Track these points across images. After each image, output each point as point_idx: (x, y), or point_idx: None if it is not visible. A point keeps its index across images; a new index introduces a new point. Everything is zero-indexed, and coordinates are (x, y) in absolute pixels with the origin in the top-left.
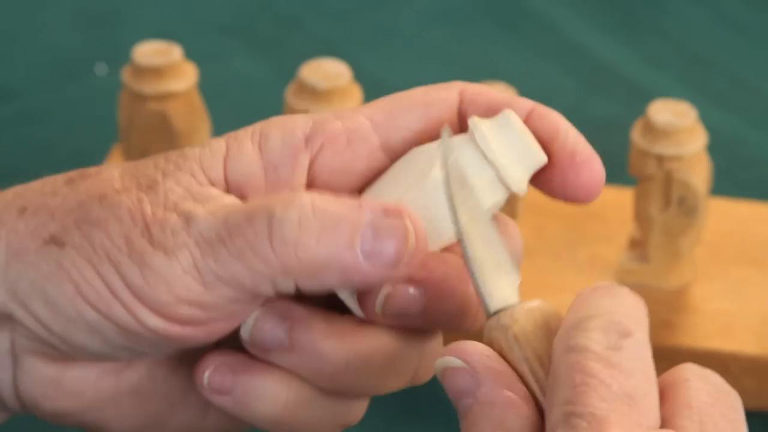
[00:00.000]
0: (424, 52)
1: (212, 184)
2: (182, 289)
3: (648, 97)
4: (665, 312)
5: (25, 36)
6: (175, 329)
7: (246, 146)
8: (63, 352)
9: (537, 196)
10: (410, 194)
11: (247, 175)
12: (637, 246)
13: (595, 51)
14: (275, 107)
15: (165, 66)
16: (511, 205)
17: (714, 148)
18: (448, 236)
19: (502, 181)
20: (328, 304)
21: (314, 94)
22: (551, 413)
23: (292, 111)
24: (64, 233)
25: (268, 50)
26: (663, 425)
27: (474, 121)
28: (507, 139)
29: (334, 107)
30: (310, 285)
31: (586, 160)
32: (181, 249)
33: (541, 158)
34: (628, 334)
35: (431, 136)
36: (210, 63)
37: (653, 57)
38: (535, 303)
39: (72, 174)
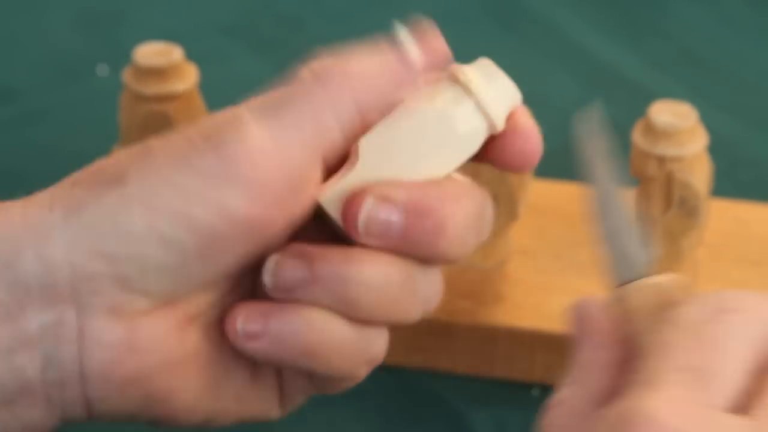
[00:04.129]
0: None
1: None
2: (263, 158)
3: (649, 98)
4: None
5: (26, 37)
6: (257, 207)
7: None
8: (135, 289)
9: (538, 196)
10: (404, 124)
11: None
12: None
13: (597, 52)
14: None
15: (166, 67)
16: (511, 206)
17: (715, 149)
18: (432, 173)
19: (484, 112)
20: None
21: None
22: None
23: None
24: (124, 173)
25: (269, 51)
26: (743, 407)
27: (457, 68)
28: (487, 75)
29: None
30: (369, 99)
31: (525, 131)
32: (246, 125)
33: (518, 97)
34: (730, 311)
35: None
36: (211, 64)
37: (654, 58)
38: (660, 278)
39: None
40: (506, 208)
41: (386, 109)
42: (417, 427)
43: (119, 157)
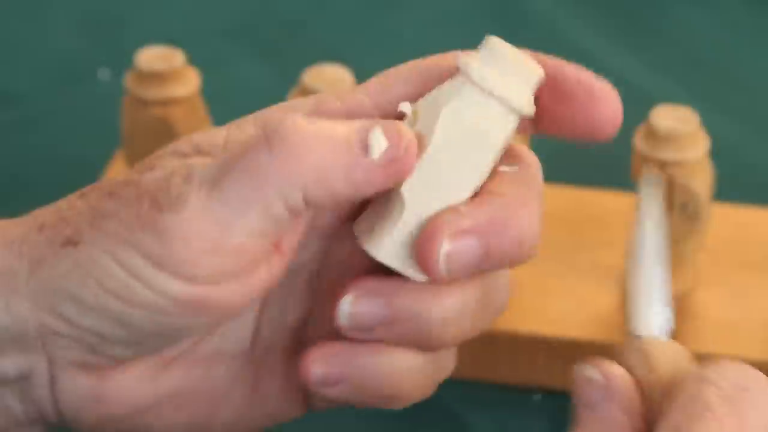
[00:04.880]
0: (426, 57)
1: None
2: (198, 238)
3: (650, 102)
4: None
5: (28, 41)
6: (201, 291)
7: (246, 129)
8: (100, 352)
9: None
10: (436, 150)
11: None
12: None
13: (598, 56)
14: None
15: (167, 71)
16: None
17: (716, 154)
18: (479, 181)
19: (509, 107)
20: None
21: None
22: None
23: None
24: (78, 233)
25: (270, 55)
26: None
27: (463, 59)
28: (499, 64)
29: None
30: (318, 194)
31: (605, 95)
32: (186, 198)
33: (539, 72)
34: (754, 384)
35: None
36: (213, 68)
37: (656, 62)
38: (679, 345)
39: (86, 188)
40: None
41: (332, 197)
42: (417, 430)
43: (79, 205)
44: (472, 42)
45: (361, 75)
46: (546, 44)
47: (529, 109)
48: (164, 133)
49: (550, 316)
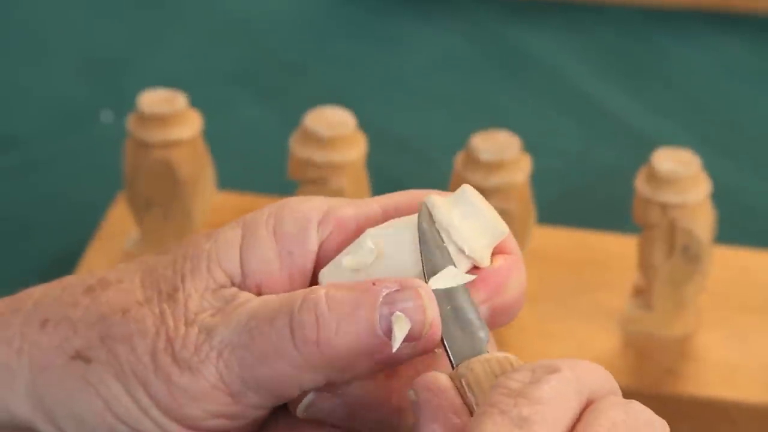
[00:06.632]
0: (429, 100)
1: (228, 276)
2: (211, 404)
3: (652, 145)
4: (669, 360)
5: (30, 84)
6: None
7: (260, 233)
8: None
9: (540, 243)
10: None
11: (263, 263)
12: (641, 294)
13: (600, 99)
14: (280, 155)
15: (170, 114)
16: None
17: (717, 197)
18: None
19: (466, 255)
20: None
21: (318, 142)
22: None
23: (297, 159)
24: (89, 349)
25: (272, 98)
26: None
27: (431, 200)
28: (466, 214)
29: (338, 155)
30: (342, 376)
31: (498, 273)
32: (205, 364)
33: (502, 229)
34: (555, 370)
35: None
36: (215, 111)
37: (657, 105)
38: (494, 354)
39: (91, 282)
40: None
41: (355, 376)
42: None
43: (86, 306)
44: (473, 85)
45: (363, 117)
46: (548, 87)
47: (481, 258)
48: (166, 176)
49: (550, 359)
